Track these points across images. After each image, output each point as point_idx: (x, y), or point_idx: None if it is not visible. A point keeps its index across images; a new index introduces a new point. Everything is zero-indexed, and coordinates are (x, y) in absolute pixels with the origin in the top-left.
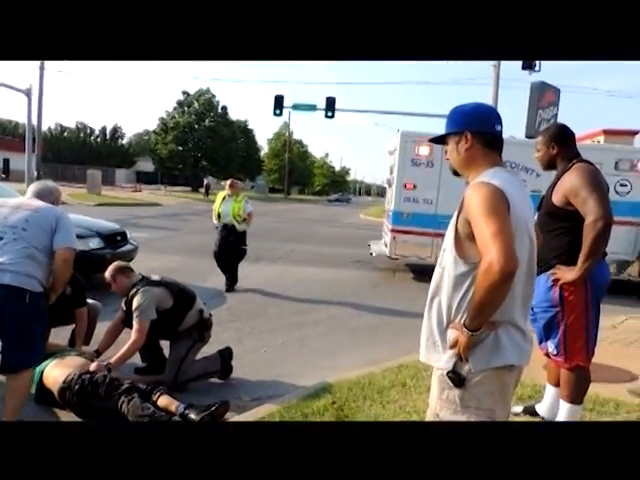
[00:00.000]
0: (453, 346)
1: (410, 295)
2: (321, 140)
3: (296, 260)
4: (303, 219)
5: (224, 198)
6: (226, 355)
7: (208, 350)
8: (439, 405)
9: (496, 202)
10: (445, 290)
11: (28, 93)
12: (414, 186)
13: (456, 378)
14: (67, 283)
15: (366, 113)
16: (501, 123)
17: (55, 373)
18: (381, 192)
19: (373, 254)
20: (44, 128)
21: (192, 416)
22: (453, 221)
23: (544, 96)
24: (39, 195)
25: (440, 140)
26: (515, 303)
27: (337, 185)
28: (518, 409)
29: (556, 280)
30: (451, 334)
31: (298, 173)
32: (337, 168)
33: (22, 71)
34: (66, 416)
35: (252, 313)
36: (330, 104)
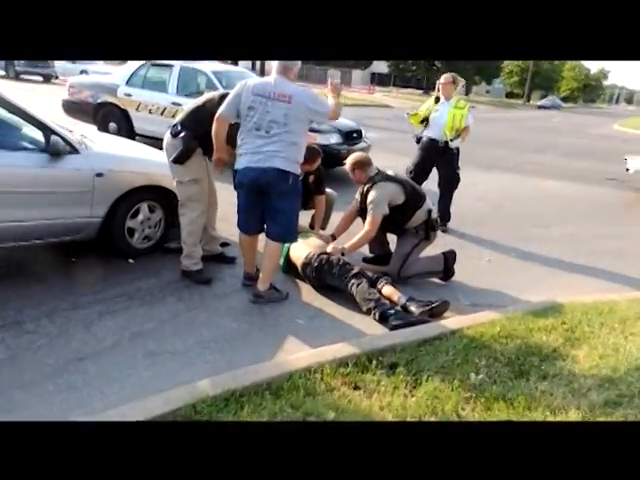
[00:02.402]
0: None
1: None
2: None
3: (533, 171)
4: (543, 128)
5: (437, 100)
6: (449, 258)
7: (432, 250)
8: None
9: None
10: None
11: None
12: None
13: None
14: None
15: None
16: None
17: (299, 250)
18: None
19: (630, 170)
20: None
21: (412, 308)
22: None
23: None
24: (283, 71)
25: None
26: None
27: (589, 90)
28: None
29: None
30: None
31: (542, 76)
32: (593, 71)
33: None
34: (305, 287)
35: (478, 221)
36: None
